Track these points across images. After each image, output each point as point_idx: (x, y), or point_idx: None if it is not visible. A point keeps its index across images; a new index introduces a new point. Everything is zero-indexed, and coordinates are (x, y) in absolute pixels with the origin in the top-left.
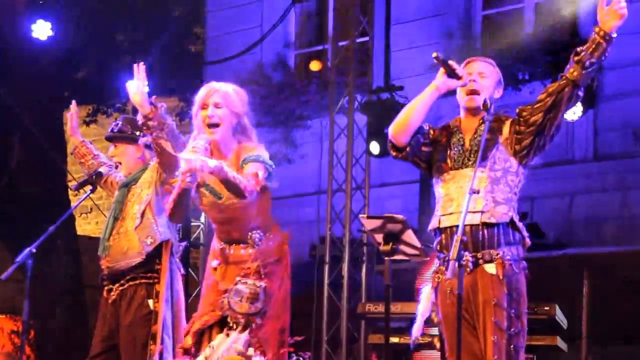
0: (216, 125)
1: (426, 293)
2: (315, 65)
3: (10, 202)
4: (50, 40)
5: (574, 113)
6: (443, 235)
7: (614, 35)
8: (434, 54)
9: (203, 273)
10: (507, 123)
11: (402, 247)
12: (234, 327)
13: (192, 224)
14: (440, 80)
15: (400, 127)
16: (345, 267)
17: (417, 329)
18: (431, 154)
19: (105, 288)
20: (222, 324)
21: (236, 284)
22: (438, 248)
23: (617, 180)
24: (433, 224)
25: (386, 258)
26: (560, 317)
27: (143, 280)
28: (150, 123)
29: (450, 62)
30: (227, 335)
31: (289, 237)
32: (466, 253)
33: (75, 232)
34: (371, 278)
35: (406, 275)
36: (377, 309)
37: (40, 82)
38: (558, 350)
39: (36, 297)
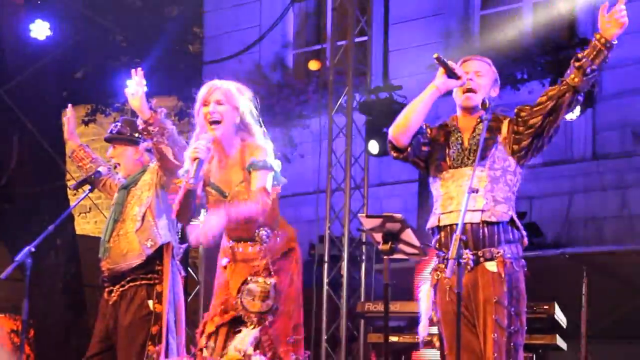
0: (217, 122)
1: (426, 291)
2: (313, 65)
3: (9, 201)
4: (48, 40)
5: (573, 112)
6: (442, 234)
7: (615, 42)
8: (435, 55)
9: (203, 273)
10: (506, 122)
11: (401, 246)
12: (248, 324)
13: (192, 223)
14: (440, 81)
15: (401, 128)
16: (344, 266)
17: (423, 328)
18: (430, 153)
19: (106, 289)
20: (231, 324)
21: (247, 283)
22: (437, 246)
23: (616, 180)
24: (432, 222)
25: (385, 257)
26: (560, 316)
27: (143, 281)
28: (150, 128)
29: (450, 62)
30: (240, 331)
31: (296, 232)
32: (467, 251)
33: (74, 231)
34: (370, 277)
35: (405, 274)
36: (376, 308)
37: (39, 81)
38: (557, 349)
39: (36, 296)
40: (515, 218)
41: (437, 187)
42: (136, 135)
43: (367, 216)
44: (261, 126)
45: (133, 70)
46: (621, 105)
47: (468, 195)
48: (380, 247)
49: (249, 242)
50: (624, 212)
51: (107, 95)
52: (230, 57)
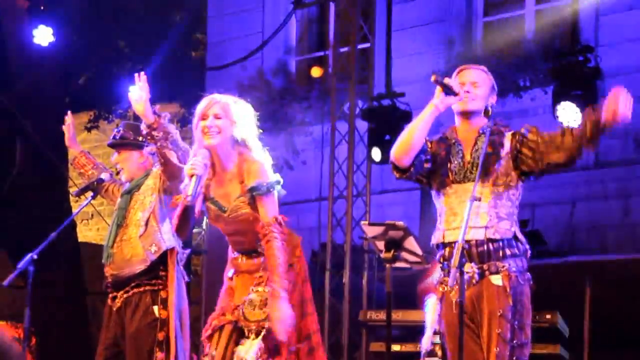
0: (215, 135)
1: (432, 305)
2: (316, 72)
3: (11, 208)
4: (51, 46)
5: (575, 120)
6: (447, 249)
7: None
8: (432, 78)
9: (205, 280)
10: (509, 135)
11: (404, 254)
12: (248, 335)
13: (194, 230)
14: (438, 99)
15: (403, 149)
16: (346, 274)
17: (427, 339)
18: (432, 169)
19: (110, 296)
20: (236, 330)
21: (250, 293)
22: (441, 260)
23: (619, 188)
24: (437, 238)
25: (387, 265)
26: (562, 325)
27: (147, 287)
28: (154, 133)
29: (447, 80)
30: (242, 344)
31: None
32: (472, 264)
33: (77, 238)
34: (372, 285)
35: (407, 283)
36: (378, 317)
37: (41, 87)
38: (560, 358)
39: (37, 304)
40: (518, 233)
41: (440, 202)
42: (140, 139)
43: (370, 224)
44: (265, 131)
45: (136, 75)
46: None
47: (470, 204)
48: (383, 255)
49: (252, 254)
50: (627, 220)
51: (109, 102)
52: (233, 63)
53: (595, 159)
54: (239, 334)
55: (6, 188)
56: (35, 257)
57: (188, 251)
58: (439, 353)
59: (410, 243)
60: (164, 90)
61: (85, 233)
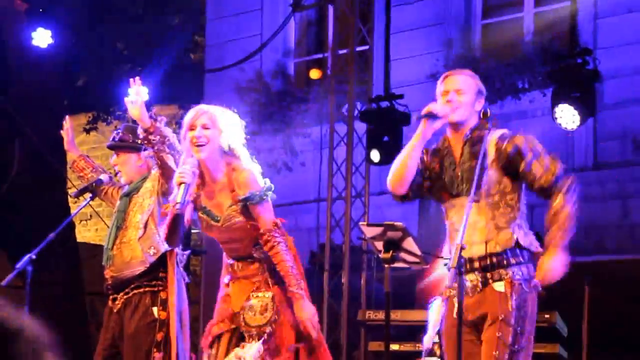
0: (203, 146)
1: (437, 306)
2: (315, 74)
3: (10, 209)
4: (50, 48)
5: (573, 122)
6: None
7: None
8: (416, 117)
9: (204, 281)
10: (492, 140)
11: (402, 255)
12: (249, 340)
13: (193, 231)
14: (423, 128)
15: (396, 180)
16: (345, 274)
17: (428, 338)
18: (430, 185)
19: (110, 297)
20: (236, 335)
21: (249, 299)
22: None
23: (617, 189)
24: (445, 252)
25: (386, 265)
26: (561, 325)
27: (147, 289)
28: (151, 137)
29: (430, 107)
30: (242, 347)
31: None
32: (476, 273)
33: (75, 239)
34: (371, 285)
35: (406, 283)
36: (377, 317)
37: (40, 89)
38: (559, 358)
39: (36, 304)
40: (521, 240)
41: (444, 216)
42: (138, 141)
43: (368, 225)
44: (263, 133)
45: (132, 80)
46: (622, 114)
47: (469, 205)
48: (381, 255)
49: (247, 260)
50: (625, 221)
51: (108, 103)
52: (232, 65)
53: (593, 160)
54: (238, 339)
55: (5, 189)
56: (33, 257)
57: (188, 252)
58: (438, 352)
59: (409, 243)
60: (162, 92)
61: (84, 234)
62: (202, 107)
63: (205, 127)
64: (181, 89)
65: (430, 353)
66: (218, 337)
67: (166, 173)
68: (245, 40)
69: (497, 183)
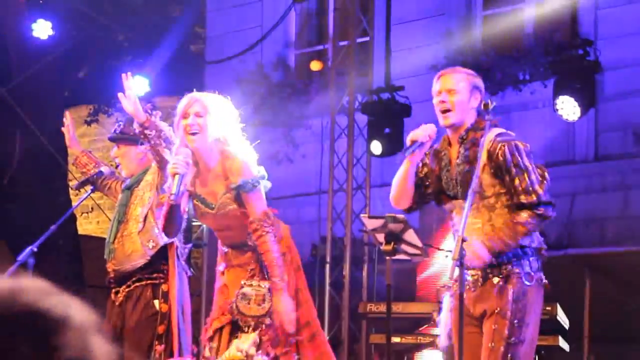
0: (196, 134)
1: (447, 302)
2: (315, 65)
3: (11, 201)
4: (50, 40)
5: (574, 113)
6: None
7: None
8: (402, 152)
9: (206, 273)
10: (487, 143)
11: (404, 247)
12: (246, 329)
13: (194, 223)
14: (410, 156)
15: (397, 198)
16: (346, 267)
17: (442, 339)
18: (432, 189)
19: (112, 290)
20: (233, 326)
21: (242, 287)
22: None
23: (618, 181)
24: (446, 246)
25: (387, 258)
26: (562, 317)
27: (149, 281)
28: (146, 132)
29: (411, 136)
30: (239, 337)
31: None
32: (476, 268)
33: (77, 231)
34: (372, 278)
35: (408, 275)
36: (378, 309)
37: (41, 81)
38: (560, 350)
39: None
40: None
41: (450, 216)
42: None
43: (370, 217)
44: (264, 125)
45: (123, 75)
46: (623, 106)
47: (471, 196)
48: (383, 247)
49: (242, 248)
50: (626, 213)
51: (109, 95)
52: (232, 57)
53: (594, 152)
54: (237, 329)
55: (6, 181)
56: (35, 249)
57: (189, 246)
58: (439, 345)
59: (410, 235)
60: (163, 83)
61: (86, 226)
62: (195, 94)
63: (198, 115)
64: (182, 81)
65: (431, 345)
66: (220, 329)
67: (164, 166)
68: (246, 32)
69: (491, 186)
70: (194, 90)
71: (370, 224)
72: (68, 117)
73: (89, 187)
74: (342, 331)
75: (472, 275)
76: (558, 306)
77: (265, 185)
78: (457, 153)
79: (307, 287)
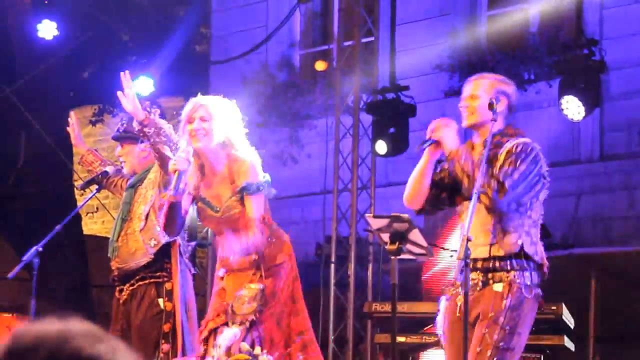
0: (202, 138)
1: (443, 305)
2: (320, 65)
3: (16, 201)
4: (55, 40)
5: (579, 113)
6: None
7: None
8: (417, 148)
9: (211, 273)
10: (508, 146)
11: (409, 246)
12: (230, 324)
13: (199, 223)
14: (428, 154)
15: (410, 197)
16: (351, 266)
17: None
18: (452, 188)
19: (117, 289)
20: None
21: (241, 290)
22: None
23: (623, 180)
24: (451, 246)
25: (392, 257)
26: (567, 316)
27: (152, 280)
28: (146, 130)
29: (431, 132)
30: (221, 332)
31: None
32: (477, 273)
33: (82, 231)
34: (377, 277)
35: (413, 275)
36: (383, 309)
37: (46, 81)
38: (565, 350)
39: (42, 296)
40: (527, 247)
41: (460, 218)
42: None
43: (374, 216)
44: (269, 125)
45: (122, 74)
46: (628, 105)
47: (475, 196)
48: (388, 247)
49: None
50: (632, 212)
51: (114, 95)
52: (237, 57)
53: (599, 151)
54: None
55: (11, 181)
56: (40, 249)
57: (193, 244)
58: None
59: (415, 235)
60: (168, 84)
61: (91, 226)
62: (200, 99)
63: (203, 120)
64: (186, 81)
65: (436, 345)
66: (214, 330)
67: (164, 164)
68: (251, 32)
69: None
70: (199, 90)
71: (375, 223)
72: (73, 117)
73: (94, 187)
74: (347, 331)
75: (472, 279)
76: (563, 305)
77: (269, 191)
78: (479, 155)
79: (303, 298)
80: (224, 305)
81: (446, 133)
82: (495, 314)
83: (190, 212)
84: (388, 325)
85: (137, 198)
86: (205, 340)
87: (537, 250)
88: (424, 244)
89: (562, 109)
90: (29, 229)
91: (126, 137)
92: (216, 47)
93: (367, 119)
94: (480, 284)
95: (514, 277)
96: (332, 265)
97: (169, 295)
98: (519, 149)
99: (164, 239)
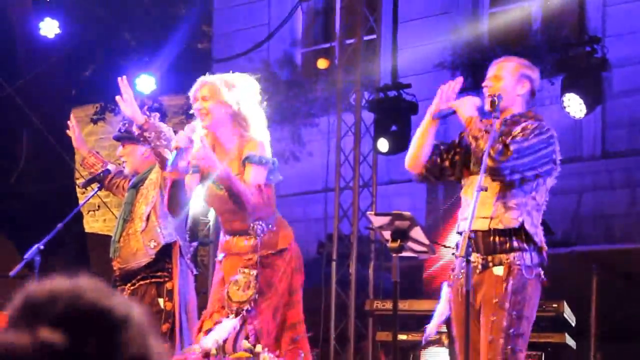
0: (205, 117)
1: (446, 292)
2: (322, 63)
3: (18, 199)
4: (57, 38)
5: (581, 110)
6: (460, 238)
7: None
8: (434, 115)
9: (212, 271)
10: (522, 125)
11: (410, 244)
12: (229, 315)
13: (201, 219)
14: (430, 114)
15: (410, 160)
16: (352, 264)
17: (432, 327)
18: (457, 162)
19: (118, 289)
20: None
21: (236, 274)
22: (455, 247)
23: (625, 177)
24: (456, 228)
25: (394, 255)
26: (569, 314)
27: (153, 280)
28: (146, 134)
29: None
30: (220, 322)
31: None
32: (477, 255)
33: (83, 229)
34: (379, 275)
35: (414, 272)
36: (384, 306)
37: (47, 80)
38: (566, 347)
39: None
40: (528, 226)
41: (462, 193)
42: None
43: (376, 214)
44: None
45: (119, 79)
46: (630, 103)
47: (477, 194)
48: (389, 245)
49: (243, 236)
50: (634, 210)
51: (115, 94)
52: (239, 55)
53: (601, 149)
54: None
55: (13, 179)
56: (41, 247)
57: (195, 244)
58: (446, 342)
59: (417, 233)
60: (169, 82)
61: (92, 224)
62: (205, 78)
63: (204, 99)
64: (188, 79)
65: (437, 342)
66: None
67: (166, 167)
68: (253, 30)
69: None
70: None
71: (377, 221)
72: (73, 119)
73: (95, 186)
74: (348, 329)
75: (472, 262)
76: (565, 303)
77: (275, 175)
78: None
79: (301, 290)
80: (224, 296)
81: (464, 102)
82: (500, 299)
83: (192, 210)
84: (389, 323)
85: (139, 198)
86: (208, 332)
87: (538, 232)
88: (426, 241)
89: (564, 107)
90: (30, 227)
91: (128, 137)
92: (218, 45)
93: (368, 116)
94: (480, 267)
95: (514, 258)
96: (334, 263)
97: (170, 295)
98: (534, 126)
99: (164, 240)
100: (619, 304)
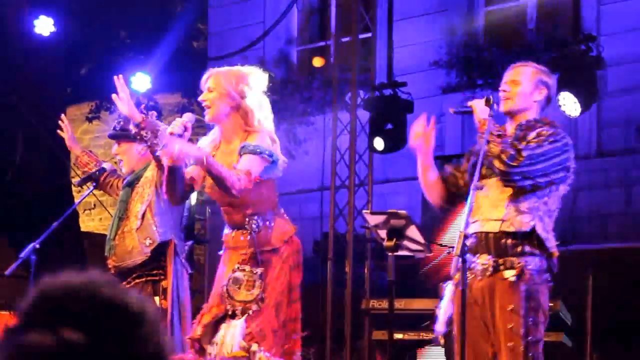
0: (208, 108)
1: (449, 290)
2: (317, 62)
3: (14, 198)
4: (52, 36)
5: (576, 109)
6: (469, 240)
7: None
8: (456, 109)
9: (208, 270)
10: (537, 130)
11: (406, 243)
12: (234, 316)
13: (197, 217)
14: (418, 152)
15: (430, 198)
16: (348, 263)
17: (440, 325)
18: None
19: None
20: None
21: (234, 271)
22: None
23: (621, 176)
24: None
25: (390, 254)
26: (565, 313)
27: (149, 278)
28: (142, 133)
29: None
30: (227, 322)
31: (295, 229)
32: (489, 257)
33: (79, 228)
34: (375, 274)
35: (410, 271)
36: (380, 305)
37: (42, 78)
38: (563, 346)
39: None
40: (540, 230)
41: (473, 196)
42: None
43: (372, 213)
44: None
45: (115, 77)
46: (626, 101)
47: (473, 192)
48: (385, 243)
49: (241, 230)
50: (629, 209)
51: (111, 92)
52: (235, 53)
53: (597, 147)
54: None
55: (8, 178)
56: (37, 246)
57: (190, 243)
58: (442, 342)
59: (413, 231)
60: (165, 80)
61: (88, 223)
62: (212, 69)
63: (209, 90)
64: (184, 78)
65: (435, 342)
66: (217, 320)
67: (162, 166)
68: (248, 28)
69: None
70: (196, 87)
71: (373, 220)
72: (64, 118)
73: (91, 184)
74: (344, 328)
75: (482, 264)
76: (561, 302)
77: (274, 169)
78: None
79: (299, 288)
80: (223, 293)
81: (481, 103)
82: (515, 306)
83: (189, 209)
84: (385, 322)
85: (134, 196)
86: (210, 326)
87: (549, 238)
88: (422, 240)
89: (559, 105)
90: (26, 226)
91: (123, 135)
92: (213, 43)
93: (364, 115)
94: (490, 269)
95: (526, 263)
96: (329, 262)
97: (165, 293)
98: (549, 132)
99: (160, 238)
100: (615, 303)
